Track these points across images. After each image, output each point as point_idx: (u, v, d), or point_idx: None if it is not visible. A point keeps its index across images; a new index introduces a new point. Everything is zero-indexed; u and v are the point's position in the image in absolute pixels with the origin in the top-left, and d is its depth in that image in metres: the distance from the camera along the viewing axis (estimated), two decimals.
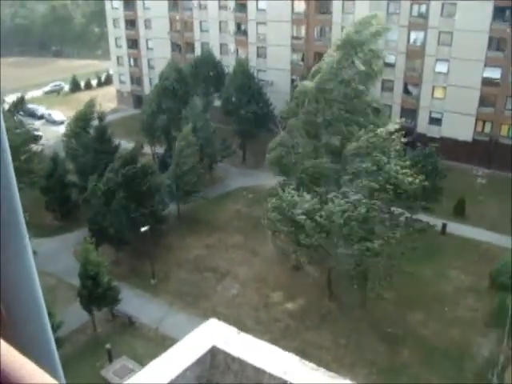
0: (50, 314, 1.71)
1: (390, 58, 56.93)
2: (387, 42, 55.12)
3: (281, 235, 39.01)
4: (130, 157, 45.80)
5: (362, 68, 39.75)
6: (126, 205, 42.98)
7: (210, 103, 65.34)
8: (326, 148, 39.28)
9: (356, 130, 38.45)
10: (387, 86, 59.23)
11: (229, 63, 67.55)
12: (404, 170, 34.41)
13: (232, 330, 2.91)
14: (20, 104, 75.35)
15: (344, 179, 35.61)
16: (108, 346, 35.13)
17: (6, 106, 62.98)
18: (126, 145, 50.92)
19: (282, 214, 35.89)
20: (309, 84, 41.23)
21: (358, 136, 36.71)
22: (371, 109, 41.27)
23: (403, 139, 36.54)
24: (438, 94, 57.64)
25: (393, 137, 35.79)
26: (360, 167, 34.68)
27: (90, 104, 57.86)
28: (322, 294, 39.94)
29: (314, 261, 37.85)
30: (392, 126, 36.20)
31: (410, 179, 34.14)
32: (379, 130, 35.77)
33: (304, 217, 33.46)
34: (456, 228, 44.89)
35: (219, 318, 3.03)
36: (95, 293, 35.67)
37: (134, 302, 40.22)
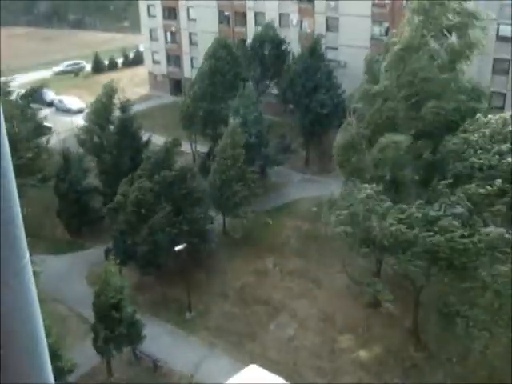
0: (56, 356, 1.58)
1: (506, 30, 55.12)
2: (502, 6, 53.51)
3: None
4: (161, 157, 46.31)
5: (452, 39, 38.46)
6: (164, 218, 43.49)
7: (265, 90, 65.54)
8: (409, 147, 38.31)
9: (448, 120, 37.62)
10: (501, 68, 57.21)
11: (290, 38, 67.61)
12: None
13: (276, 380, 2.56)
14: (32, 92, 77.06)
15: (440, 185, 34.54)
16: None
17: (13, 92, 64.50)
18: (160, 141, 51.54)
19: (356, 225, 35.29)
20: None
21: (463, 128, 35.75)
22: (469, 93, 40.01)
23: None
24: None
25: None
26: (474, 163, 33.50)
27: (109, 88, 58.91)
28: (405, 340, 39.21)
29: (399, 296, 37.11)
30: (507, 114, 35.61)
31: None
32: (494, 118, 35.05)
33: (404, 226, 32.49)
34: None
35: (270, 365, 2.60)
36: (115, 328, 35.92)
37: (162, 341, 40.49)
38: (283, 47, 66.77)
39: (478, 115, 36.01)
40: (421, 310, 38.23)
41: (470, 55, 39.41)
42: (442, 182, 34.39)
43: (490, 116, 35.69)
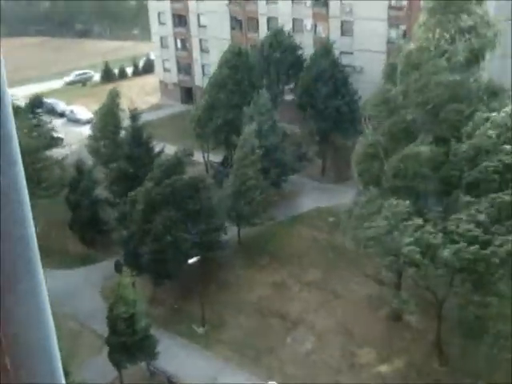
0: (65, 373, 1.90)
1: None
2: None
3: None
4: (172, 164, 46.99)
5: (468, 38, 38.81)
6: (172, 226, 44.09)
7: (280, 97, 66.04)
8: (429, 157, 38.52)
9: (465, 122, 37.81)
10: None
11: (304, 44, 68.27)
12: None
13: None
14: (37, 101, 78.62)
15: (460, 195, 34.84)
16: None
17: (21, 103, 65.93)
18: (171, 151, 52.26)
19: (379, 242, 35.64)
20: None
21: (467, 132, 36.04)
22: (489, 94, 40.28)
23: None
24: None
25: None
26: (488, 167, 33.70)
27: (114, 94, 59.73)
28: (428, 354, 39.37)
29: (420, 308, 37.25)
30: None
31: None
32: (497, 116, 35.31)
33: (416, 249, 32.93)
34: None
35: (288, 380, 3.20)
36: (129, 340, 36.60)
37: (176, 356, 41.03)
38: (298, 53, 67.40)
39: (478, 115, 36.30)
40: (444, 322, 38.18)
41: (487, 55, 39.80)
42: (460, 192, 34.75)
43: (492, 114, 35.75)
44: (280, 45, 66.24)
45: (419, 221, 34.03)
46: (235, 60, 61.14)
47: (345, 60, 66.10)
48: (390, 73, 44.54)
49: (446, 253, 32.18)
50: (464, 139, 36.20)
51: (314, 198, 57.77)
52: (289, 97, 66.43)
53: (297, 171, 58.17)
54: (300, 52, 67.49)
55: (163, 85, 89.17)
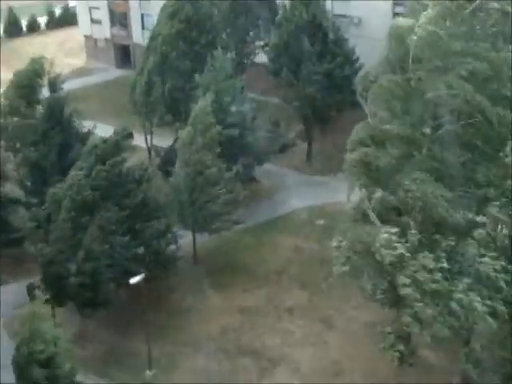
0: None
1: None
2: None
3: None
4: (106, 151, 46.47)
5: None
6: (107, 236, 43.76)
7: (249, 58, 66.02)
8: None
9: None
10: None
11: None
12: None
13: None
14: None
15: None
16: None
17: None
18: (104, 132, 51.44)
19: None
20: (406, 24, 40.57)
21: None
22: None
23: None
24: None
25: None
26: None
27: (37, 61, 59.08)
28: None
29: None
30: None
31: None
32: None
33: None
34: None
35: None
36: None
37: None
38: None
39: None
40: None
41: None
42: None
43: None
44: None
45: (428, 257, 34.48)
46: (185, 8, 60.85)
47: (337, 9, 66.36)
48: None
49: None
50: None
51: (296, 194, 57.98)
52: (262, 58, 66.38)
53: (272, 159, 58.06)
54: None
55: (91, 41, 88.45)
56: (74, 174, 45.24)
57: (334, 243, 39.12)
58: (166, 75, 59.99)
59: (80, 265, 43.31)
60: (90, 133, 55.06)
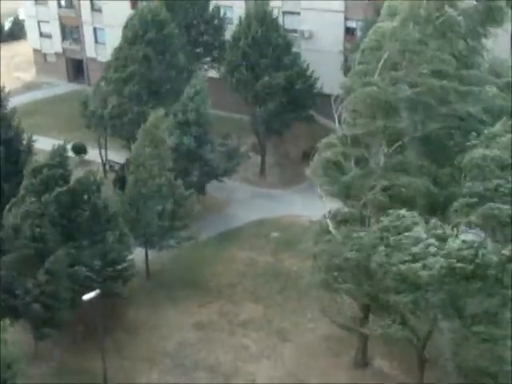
0: None
1: None
2: None
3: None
4: (53, 168, 45.52)
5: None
6: (58, 251, 43.34)
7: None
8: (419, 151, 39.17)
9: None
10: None
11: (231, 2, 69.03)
12: None
13: None
14: None
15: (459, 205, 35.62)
16: None
17: None
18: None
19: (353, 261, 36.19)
20: (387, 26, 40.98)
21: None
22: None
23: None
24: None
25: None
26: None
27: None
28: None
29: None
30: None
31: None
32: None
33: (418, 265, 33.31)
34: None
35: None
36: None
37: None
38: (217, 13, 68.17)
39: None
40: (428, 367, 38.17)
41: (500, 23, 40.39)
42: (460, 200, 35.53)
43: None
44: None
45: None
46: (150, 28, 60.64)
47: (288, 22, 66.91)
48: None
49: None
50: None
51: (250, 207, 58.11)
52: (214, 73, 66.78)
53: (226, 174, 58.07)
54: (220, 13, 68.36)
55: (40, 56, 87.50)
56: (21, 196, 44.69)
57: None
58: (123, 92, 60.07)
59: (42, 286, 42.82)
60: (30, 146, 53.33)
